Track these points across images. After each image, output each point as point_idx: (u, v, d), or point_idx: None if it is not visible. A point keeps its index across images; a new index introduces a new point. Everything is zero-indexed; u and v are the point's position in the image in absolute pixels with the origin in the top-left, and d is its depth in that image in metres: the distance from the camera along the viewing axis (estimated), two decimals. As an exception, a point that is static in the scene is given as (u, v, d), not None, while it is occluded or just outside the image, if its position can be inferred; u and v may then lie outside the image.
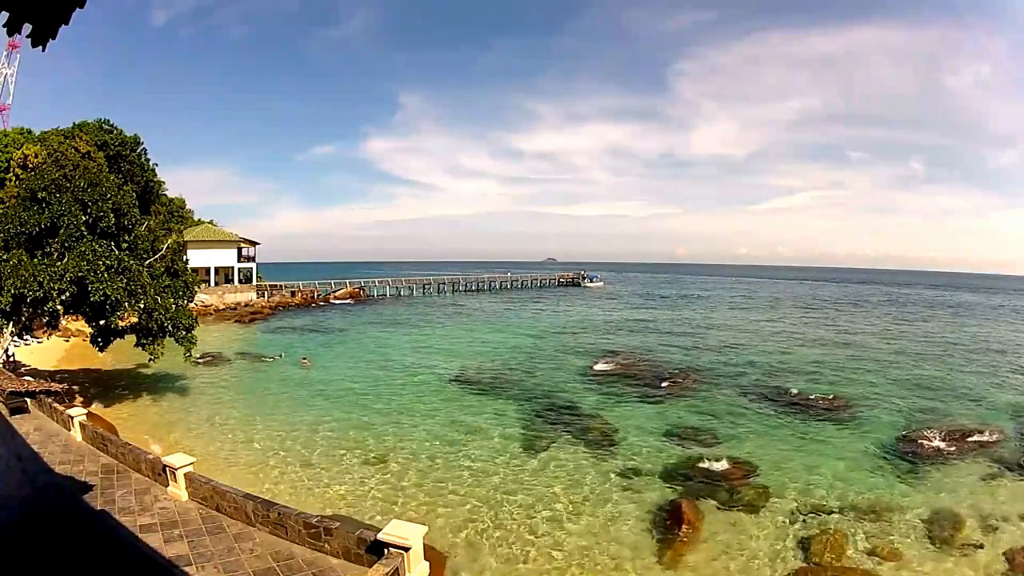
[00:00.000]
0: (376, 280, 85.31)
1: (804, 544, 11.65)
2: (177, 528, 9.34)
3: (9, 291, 16.68)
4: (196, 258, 45.82)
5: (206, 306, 52.07)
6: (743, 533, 12.17)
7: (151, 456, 11.65)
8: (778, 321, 54.48)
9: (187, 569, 8.05)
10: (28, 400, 16.29)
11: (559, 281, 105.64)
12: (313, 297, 67.92)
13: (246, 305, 56.87)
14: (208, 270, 56.06)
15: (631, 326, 49.12)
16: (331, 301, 67.59)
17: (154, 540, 8.91)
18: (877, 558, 11.21)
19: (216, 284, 57.40)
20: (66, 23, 2.33)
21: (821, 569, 10.74)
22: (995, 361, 33.88)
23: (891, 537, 12.05)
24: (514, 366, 30.30)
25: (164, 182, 58.80)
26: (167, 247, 21.26)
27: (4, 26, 2.25)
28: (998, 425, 20.24)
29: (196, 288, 22.79)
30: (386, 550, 7.76)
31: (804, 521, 12.69)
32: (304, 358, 31.06)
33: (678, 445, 17.74)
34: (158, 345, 20.02)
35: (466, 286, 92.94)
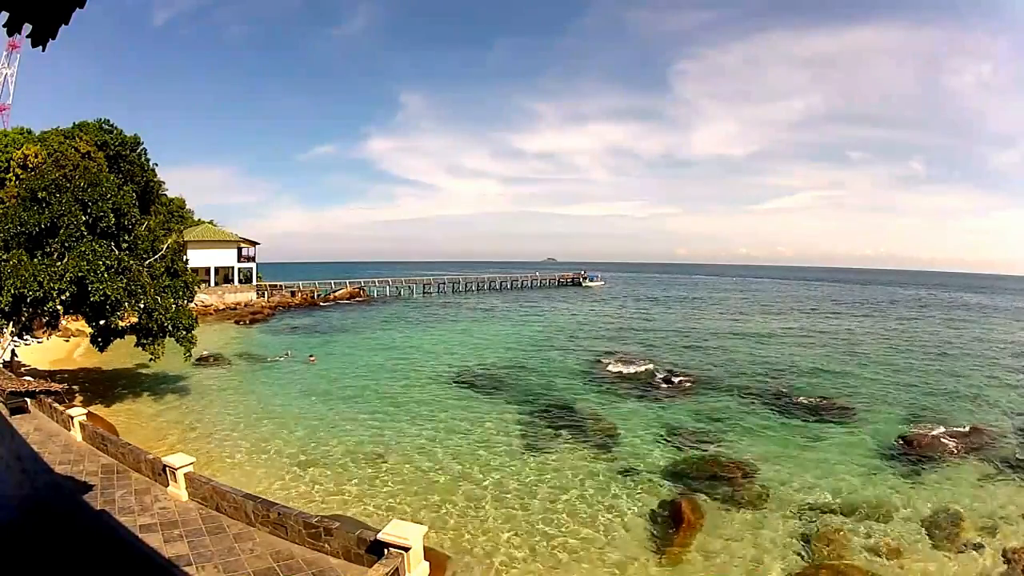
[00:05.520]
0: (376, 280, 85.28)
1: (804, 543, 11.65)
2: (177, 528, 9.33)
3: (9, 291, 16.66)
4: (196, 258, 45.82)
5: (206, 306, 52.04)
6: (743, 533, 12.17)
7: (151, 456, 11.64)
8: (778, 321, 54.47)
9: (187, 569, 8.05)
10: (28, 400, 16.29)
11: (559, 281, 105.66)
12: (313, 297, 67.90)
13: (246, 305, 56.85)
14: (208, 270, 56.03)
15: (631, 326, 49.11)
16: (333, 299, 67.56)
17: (154, 540, 8.91)
18: (877, 558, 11.21)
19: (216, 284, 57.37)
20: (66, 23, 2.33)
21: (821, 568, 10.73)
22: (995, 361, 33.87)
23: (891, 536, 12.04)
24: (514, 366, 30.29)
25: (164, 182, 58.87)
26: (167, 247, 21.20)
27: (4, 26, 2.25)
28: (998, 425, 20.25)
29: (196, 288, 22.74)
30: (386, 550, 7.76)
31: (804, 521, 12.69)
32: (311, 356, 31.76)
33: (678, 445, 17.74)
34: (158, 345, 19.99)
35: (466, 286, 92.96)
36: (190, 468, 10.70)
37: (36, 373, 22.83)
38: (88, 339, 22.97)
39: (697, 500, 13.45)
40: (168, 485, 10.77)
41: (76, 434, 13.74)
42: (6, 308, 17.34)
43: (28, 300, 17.25)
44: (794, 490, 14.33)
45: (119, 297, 17.85)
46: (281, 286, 67.51)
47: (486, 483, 14.71)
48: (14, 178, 36.65)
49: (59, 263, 17.44)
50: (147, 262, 20.01)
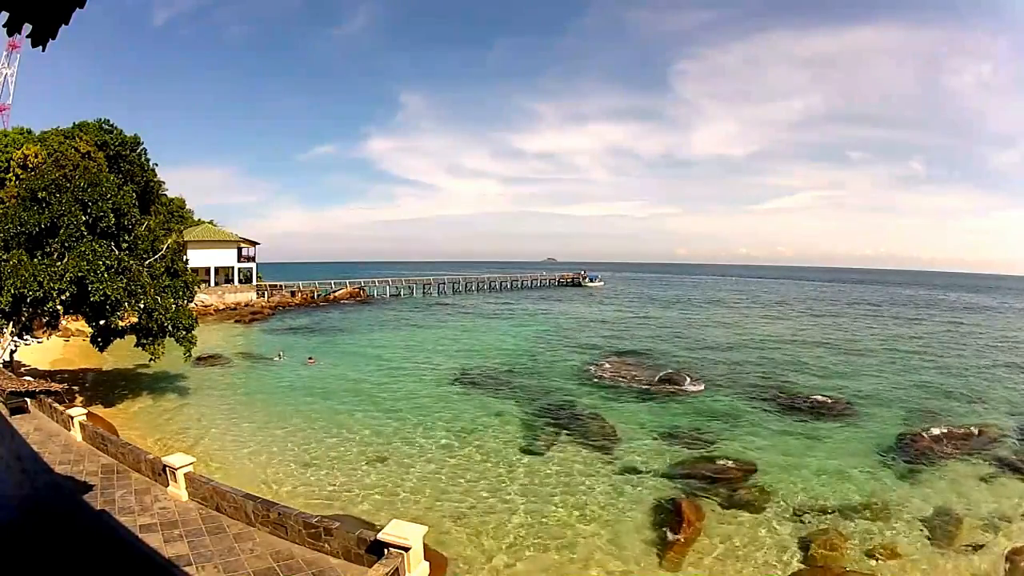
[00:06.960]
0: (376, 280, 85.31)
1: (804, 544, 11.64)
2: (177, 528, 9.33)
3: (9, 291, 16.66)
4: (196, 258, 45.78)
5: (206, 306, 52.02)
6: (743, 533, 12.17)
7: (151, 456, 11.64)
8: (778, 321, 54.49)
9: (187, 569, 8.05)
10: (28, 400, 16.29)
11: (559, 281, 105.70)
12: (313, 297, 67.87)
13: (246, 305, 56.85)
14: (208, 270, 56.00)
15: (631, 326, 49.11)
16: (333, 299, 67.53)
17: (154, 540, 8.91)
18: (877, 558, 11.21)
19: (216, 284, 57.35)
20: (66, 23, 2.33)
21: (821, 569, 10.74)
22: (994, 361, 33.88)
23: (891, 537, 12.05)
24: (514, 366, 30.30)
25: (164, 182, 58.80)
26: (167, 247, 21.19)
27: (4, 26, 2.25)
28: (998, 425, 20.25)
29: (196, 288, 22.73)
30: (386, 550, 7.76)
31: (804, 521, 12.70)
32: (310, 357, 31.57)
33: (678, 445, 17.74)
34: (158, 345, 19.98)
35: (466, 286, 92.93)
36: (190, 468, 10.69)
37: (36, 373, 22.85)
38: (88, 339, 22.96)
39: (698, 500, 13.46)
40: (168, 485, 10.77)
41: (76, 434, 13.74)
42: (6, 308, 17.33)
43: (28, 300, 17.24)
44: (794, 490, 14.33)
45: (119, 297, 17.84)
46: (281, 286, 67.50)
47: (487, 483, 14.70)
48: (14, 178, 36.64)
49: (59, 263, 17.43)
50: (147, 262, 20.00)
